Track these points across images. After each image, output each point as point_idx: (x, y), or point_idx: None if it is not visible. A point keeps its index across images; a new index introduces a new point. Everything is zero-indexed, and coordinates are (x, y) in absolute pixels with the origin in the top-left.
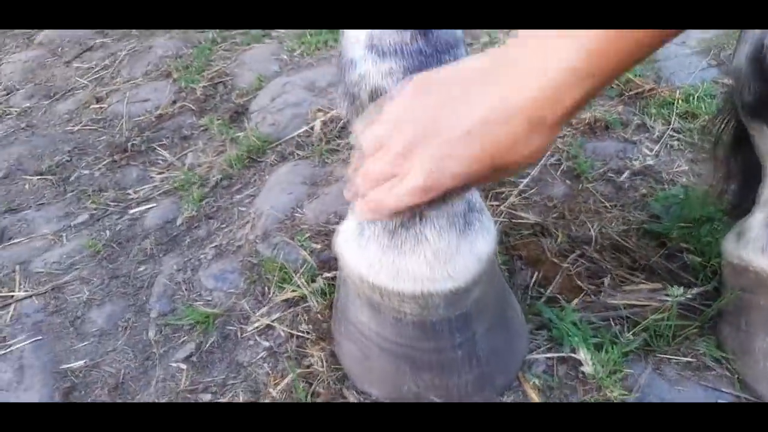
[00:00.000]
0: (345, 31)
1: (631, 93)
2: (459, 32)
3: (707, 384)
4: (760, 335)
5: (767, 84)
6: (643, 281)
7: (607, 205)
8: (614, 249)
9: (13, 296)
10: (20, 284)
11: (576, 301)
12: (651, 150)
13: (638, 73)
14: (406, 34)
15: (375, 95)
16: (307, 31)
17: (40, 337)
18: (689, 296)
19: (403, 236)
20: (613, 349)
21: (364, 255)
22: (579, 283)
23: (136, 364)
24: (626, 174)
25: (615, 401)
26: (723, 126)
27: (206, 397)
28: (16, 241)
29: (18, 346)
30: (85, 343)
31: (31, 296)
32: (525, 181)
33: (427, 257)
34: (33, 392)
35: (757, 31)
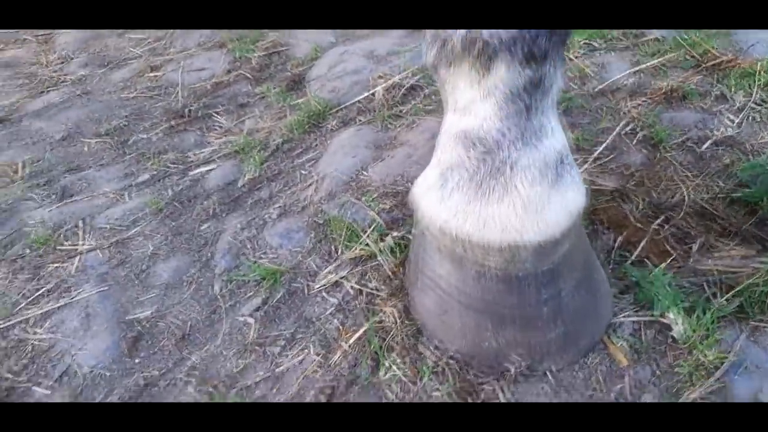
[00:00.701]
0: None
1: (708, 64)
2: None
3: None
4: None
5: None
6: (735, 247)
7: (689, 174)
8: (701, 216)
9: (77, 249)
10: (84, 238)
11: (664, 265)
12: (732, 121)
13: (716, 44)
14: None
15: (470, 38)
16: None
17: (105, 288)
18: None
19: (492, 186)
20: (705, 313)
21: (447, 206)
22: (667, 247)
23: (202, 317)
24: (707, 144)
25: (709, 366)
26: None
27: (275, 350)
28: (77, 198)
29: (84, 295)
30: (151, 295)
31: (95, 249)
32: (599, 149)
33: (516, 207)
34: (99, 340)
35: None
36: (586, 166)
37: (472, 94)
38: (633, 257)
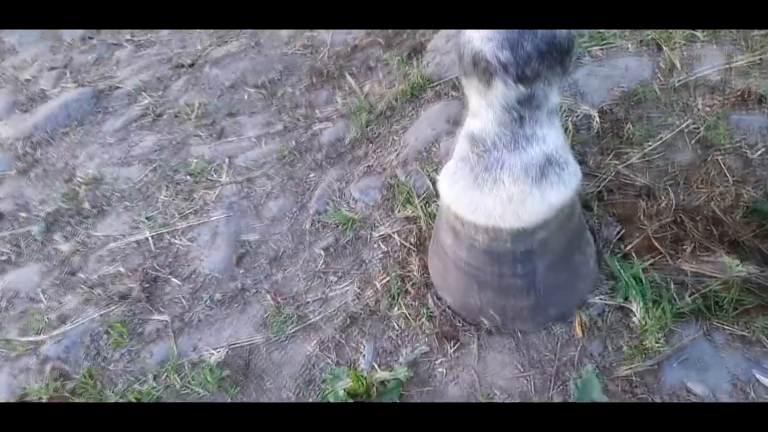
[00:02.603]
0: None
1: None
2: None
3: (750, 357)
4: None
5: None
6: (725, 254)
7: (729, 178)
8: (710, 221)
9: (220, 181)
10: (227, 173)
11: (650, 261)
12: None
13: None
14: None
15: (477, 58)
16: None
17: (231, 214)
18: (751, 272)
19: (485, 178)
20: (668, 306)
21: (453, 189)
22: (657, 245)
23: (292, 246)
24: (761, 151)
25: (652, 352)
26: None
27: (333, 279)
28: (230, 139)
29: (216, 217)
30: (261, 224)
31: (231, 183)
32: (653, 144)
33: (501, 198)
34: (219, 251)
35: None
36: (632, 160)
37: (479, 102)
38: (625, 249)
